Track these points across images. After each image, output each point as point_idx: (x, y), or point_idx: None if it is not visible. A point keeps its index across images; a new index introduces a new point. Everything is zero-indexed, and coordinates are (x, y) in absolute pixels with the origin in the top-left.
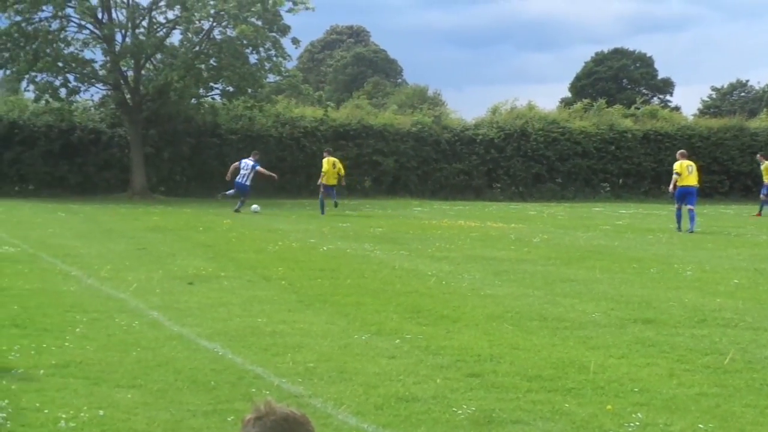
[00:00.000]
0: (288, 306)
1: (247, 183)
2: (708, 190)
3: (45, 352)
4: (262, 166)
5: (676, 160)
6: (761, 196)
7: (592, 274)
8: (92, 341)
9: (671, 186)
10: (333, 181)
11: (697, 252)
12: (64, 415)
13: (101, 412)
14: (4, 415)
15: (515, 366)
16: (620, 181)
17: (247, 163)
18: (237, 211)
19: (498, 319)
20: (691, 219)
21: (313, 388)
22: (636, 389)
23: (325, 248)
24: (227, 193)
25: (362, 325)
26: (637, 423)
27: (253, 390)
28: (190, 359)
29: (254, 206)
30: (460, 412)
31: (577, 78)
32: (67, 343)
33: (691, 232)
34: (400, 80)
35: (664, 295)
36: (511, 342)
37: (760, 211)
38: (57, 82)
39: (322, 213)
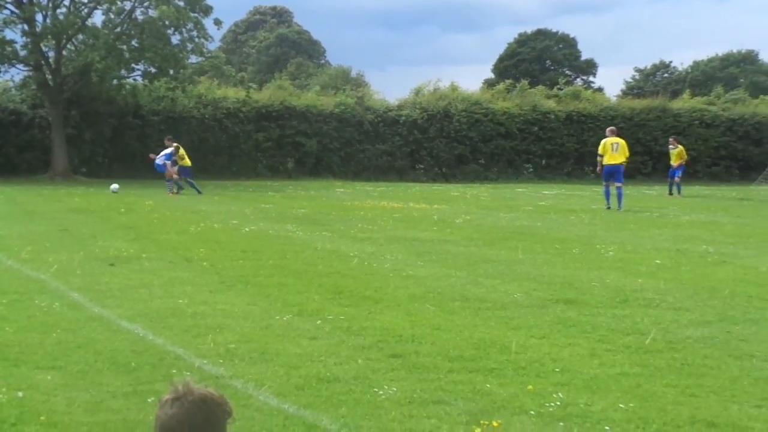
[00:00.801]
0: (209, 287)
1: (158, 162)
2: (631, 171)
3: None
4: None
5: (604, 137)
6: (675, 178)
7: (515, 255)
8: (12, 323)
9: (598, 167)
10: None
11: (620, 233)
12: None
13: (20, 394)
14: None
15: (437, 346)
16: (543, 162)
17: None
18: (177, 193)
19: (420, 299)
20: (619, 197)
21: (234, 369)
22: (557, 369)
23: (247, 229)
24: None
25: (284, 306)
26: (558, 403)
27: (174, 371)
28: (111, 340)
29: (114, 185)
30: (381, 392)
31: (500, 59)
32: None
33: (620, 209)
34: (323, 61)
35: (586, 275)
36: (432, 323)
37: (672, 190)
38: None
39: (200, 191)
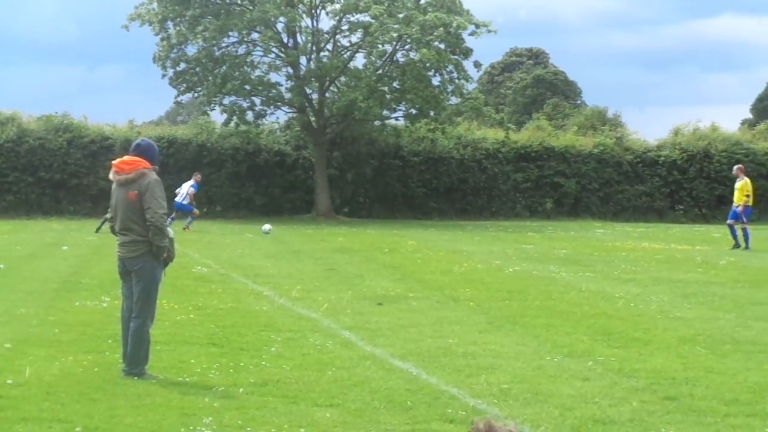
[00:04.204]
0: (478, 327)
1: (184, 202)
2: None
3: (243, 370)
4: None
5: None
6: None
7: None
8: (288, 360)
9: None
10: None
11: None
12: None
13: (302, 430)
14: (210, 431)
15: (711, 389)
16: None
17: (186, 184)
18: (186, 228)
19: (690, 342)
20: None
21: (509, 410)
22: None
23: (510, 270)
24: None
25: (553, 346)
26: None
27: (450, 410)
28: (385, 379)
29: (265, 226)
30: None
31: (759, 99)
32: (263, 362)
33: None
34: (579, 102)
35: None
36: (705, 365)
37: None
38: (244, 104)
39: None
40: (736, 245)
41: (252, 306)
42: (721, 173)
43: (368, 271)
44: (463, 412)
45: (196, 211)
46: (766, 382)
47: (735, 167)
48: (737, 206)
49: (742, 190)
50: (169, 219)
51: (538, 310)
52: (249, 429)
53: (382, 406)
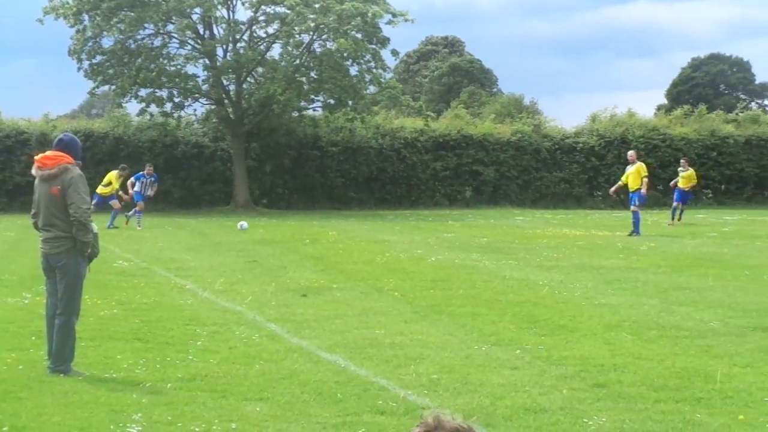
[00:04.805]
0: (404, 317)
1: (141, 192)
2: None
3: (170, 365)
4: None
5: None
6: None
7: (705, 282)
8: (215, 354)
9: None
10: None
11: None
12: (196, 429)
13: (233, 425)
14: (139, 428)
15: (639, 376)
16: (722, 187)
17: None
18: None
19: (616, 328)
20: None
21: (439, 400)
22: (766, 398)
23: (433, 259)
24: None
25: (480, 335)
26: None
27: (380, 402)
28: (314, 371)
29: (242, 223)
30: (590, 423)
31: (674, 84)
32: (190, 357)
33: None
34: (495, 90)
35: None
36: (632, 351)
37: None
38: (163, 95)
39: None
40: (634, 232)
41: (176, 300)
42: (639, 158)
43: (291, 262)
44: (394, 404)
45: (141, 204)
46: (693, 367)
47: (629, 152)
48: (635, 191)
49: (638, 173)
50: (138, 214)
51: (462, 299)
52: (179, 425)
53: (312, 398)
